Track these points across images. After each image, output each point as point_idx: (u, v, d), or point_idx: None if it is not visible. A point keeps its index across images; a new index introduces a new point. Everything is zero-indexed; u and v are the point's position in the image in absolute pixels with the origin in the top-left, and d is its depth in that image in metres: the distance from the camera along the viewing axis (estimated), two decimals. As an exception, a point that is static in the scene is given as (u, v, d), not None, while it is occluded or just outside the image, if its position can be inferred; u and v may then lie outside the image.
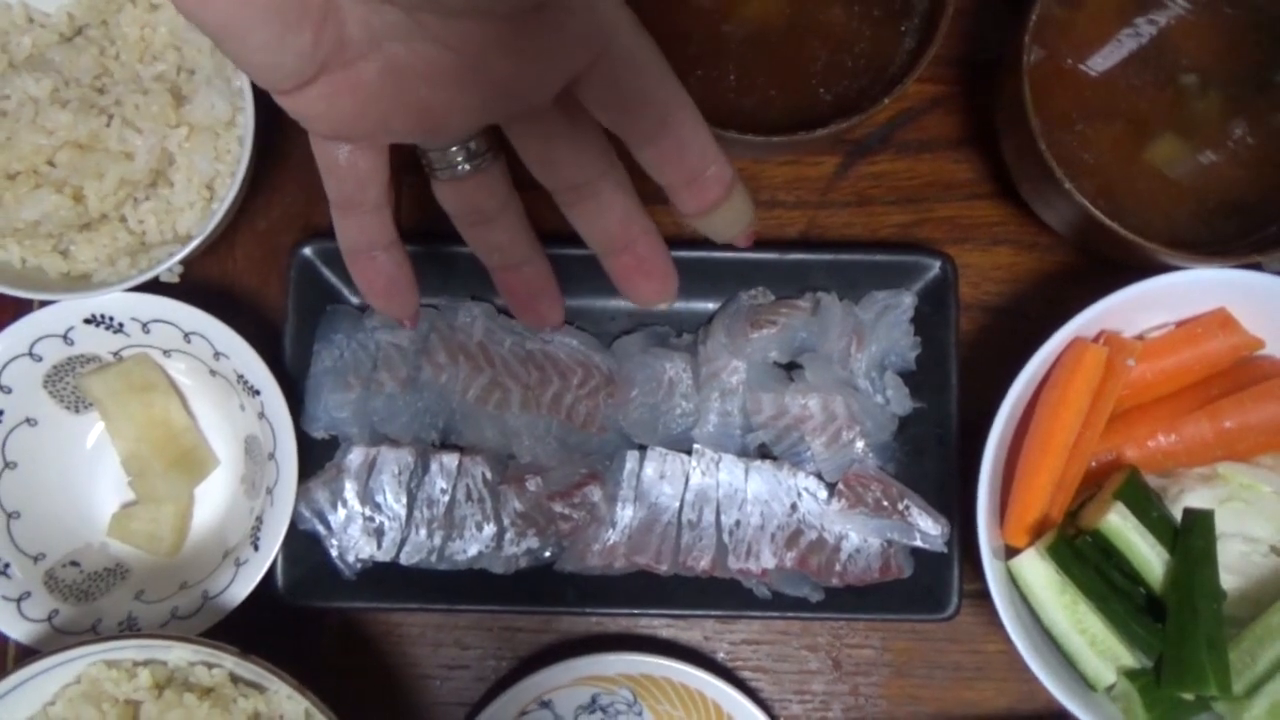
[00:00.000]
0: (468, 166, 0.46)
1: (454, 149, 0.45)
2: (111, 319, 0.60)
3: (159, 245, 0.59)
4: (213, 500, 0.64)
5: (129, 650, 0.56)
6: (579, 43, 0.38)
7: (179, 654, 0.56)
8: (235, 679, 0.56)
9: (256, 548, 0.59)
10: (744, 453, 0.64)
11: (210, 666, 0.56)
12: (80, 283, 0.59)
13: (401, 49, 0.39)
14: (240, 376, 0.60)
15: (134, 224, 0.59)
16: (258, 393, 0.59)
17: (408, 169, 0.68)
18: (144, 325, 0.60)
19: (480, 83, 0.40)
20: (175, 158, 0.59)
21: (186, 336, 0.60)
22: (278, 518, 0.58)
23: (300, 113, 0.40)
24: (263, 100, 0.59)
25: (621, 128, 0.41)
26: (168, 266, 0.57)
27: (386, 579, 0.63)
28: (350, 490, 0.62)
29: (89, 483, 0.64)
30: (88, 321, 0.60)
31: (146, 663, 0.56)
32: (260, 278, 0.67)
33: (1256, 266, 0.59)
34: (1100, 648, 0.58)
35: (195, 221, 0.59)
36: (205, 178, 0.59)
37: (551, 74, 0.39)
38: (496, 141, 0.45)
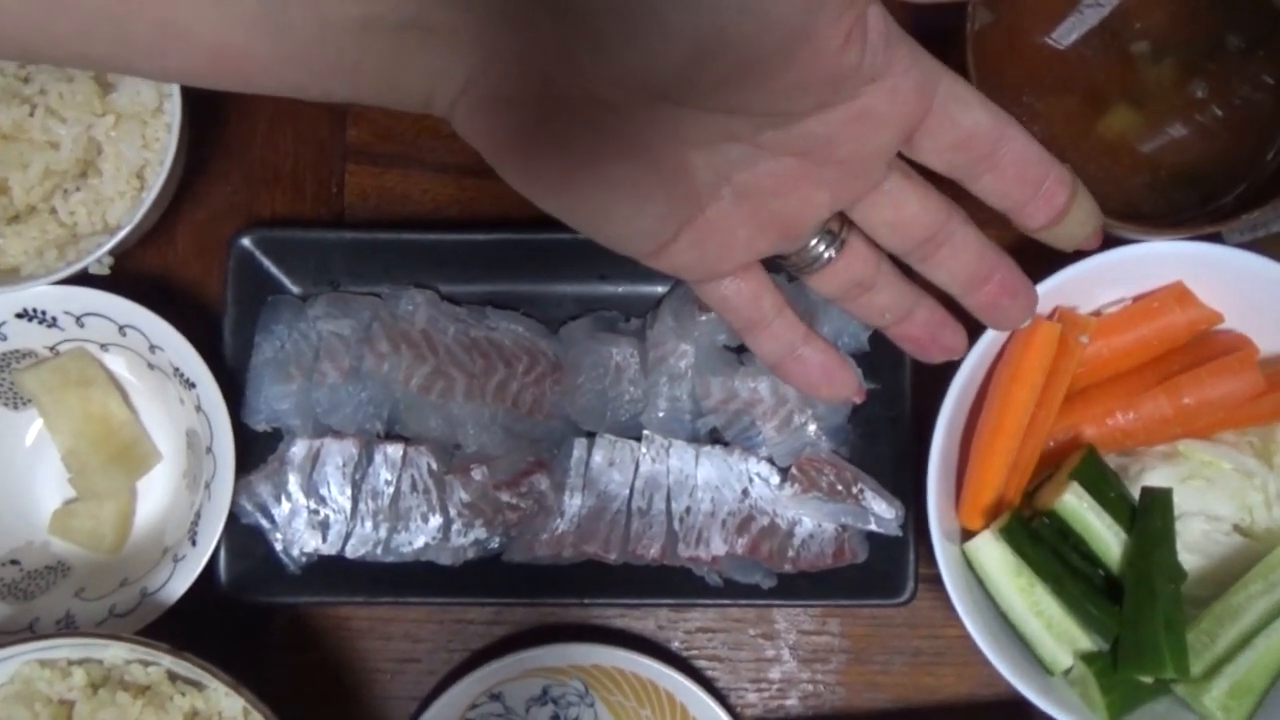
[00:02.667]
0: (833, 252, 0.45)
1: (813, 242, 0.44)
2: (44, 313, 0.59)
3: (89, 236, 0.58)
4: (156, 496, 0.63)
5: (63, 649, 0.55)
6: (916, 98, 0.39)
7: (115, 652, 0.55)
8: (173, 677, 0.56)
9: (194, 543, 0.58)
10: (694, 438, 0.63)
11: (146, 664, 0.55)
12: (8, 276, 0.58)
13: (747, 175, 0.40)
14: (176, 369, 0.59)
15: (64, 216, 0.58)
16: (193, 385, 0.58)
17: (348, 155, 0.67)
18: (78, 319, 0.59)
19: (827, 175, 0.40)
20: (103, 147, 0.58)
21: (121, 329, 0.59)
22: (215, 512, 0.57)
23: (674, 268, 0.42)
24: (192, 88, 0.58)
25: (959, 166, 0.42)
26: (96, 258, 0.56)
27: (333, 573, 0.62)
28: (294, 483, 0.61)
29: (29, 480, 0.63)
30: (20, 316, 0.59)
31: (82, 661, 0.55)
32: (202, 269, 0.66)
33: (1215, 238, 0.57)
34: (1057, 631, 0.56)
35: (126, 212, 0.58)
36: (134, 167, 0.58)
37: (894, 138, 0.40)
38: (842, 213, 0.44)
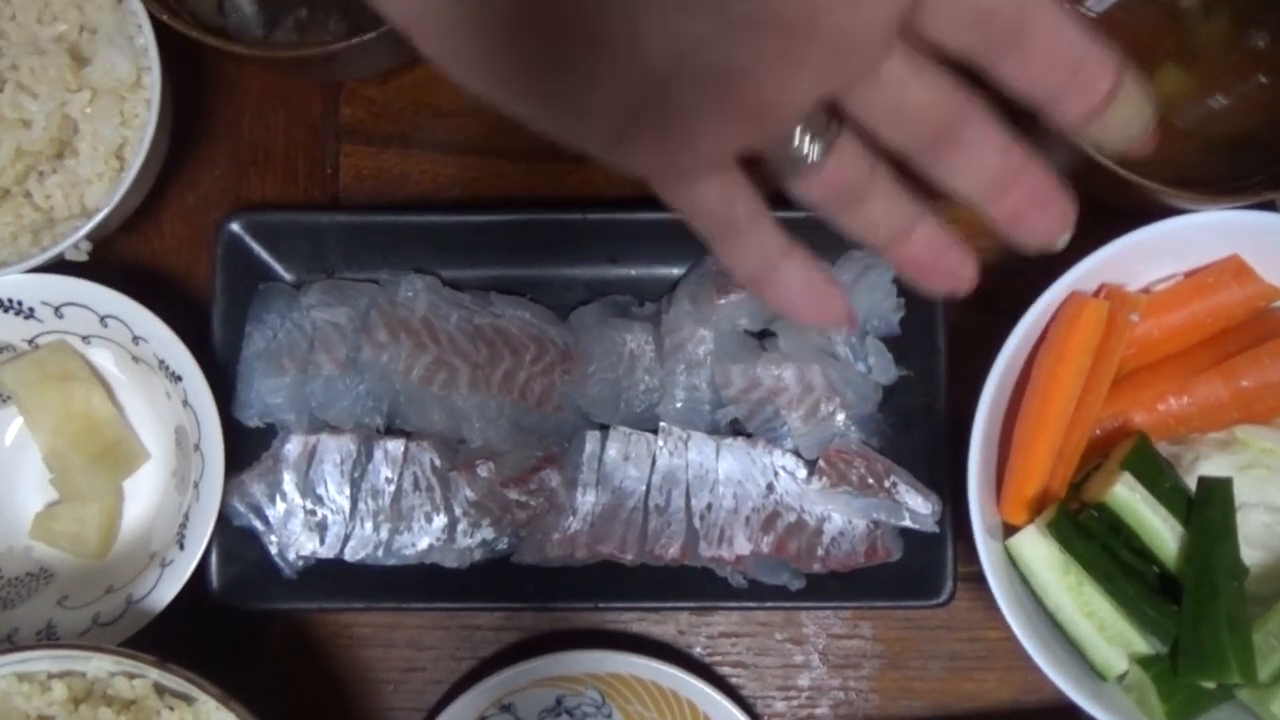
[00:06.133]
0: (819, 146, 0.38)
1: (796, 138, 0.38)
2: (20, 303, 0.56)
3: (66, 220, 0.55)
4: (144, 497, 0.60)
5: (43, 661, 0.51)
6: None
7: (98, 664, 0.52)
8: (161, 690, 0.52)
9: (183, 546, 0.55)
10: (714, 430, 0.60)
11: (132, 677, 0.52)
12: (-19, 264, 0.55)
13: (712, 54, 0.34)
14: (162, 362, 0.56)
15: (39, 199, 0.55)
16: (180, 378, 0.55)
17: (343, 135, 0.64)
18: (56, 309, 0.56)
19: (809, 54, 0.34)
20: (79, 125, 0.55)
21: (103, 320, 0.56)
22: (204, 514, 0.54)
23: (634, 165, 0.36)
24: (174, 63, 0.55)
25: (976, 46, 0.35)
26: (72, 242, 0.53)
27: (332, 577, 0.59)
28: (289, 482, 0.58)
29: (9, 481, 0.60)
30: (-6, 307, 0.56)
31: (63, 675, 0.52)
32: (190, 256, 0.63)
33: (1271, 206, 0.54)
34: (1110, 633, 0.53)
35: (104, 194, 0.55)
36: (112, 146, 0.54)
37: (892, 10, 0.34)
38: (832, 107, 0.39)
